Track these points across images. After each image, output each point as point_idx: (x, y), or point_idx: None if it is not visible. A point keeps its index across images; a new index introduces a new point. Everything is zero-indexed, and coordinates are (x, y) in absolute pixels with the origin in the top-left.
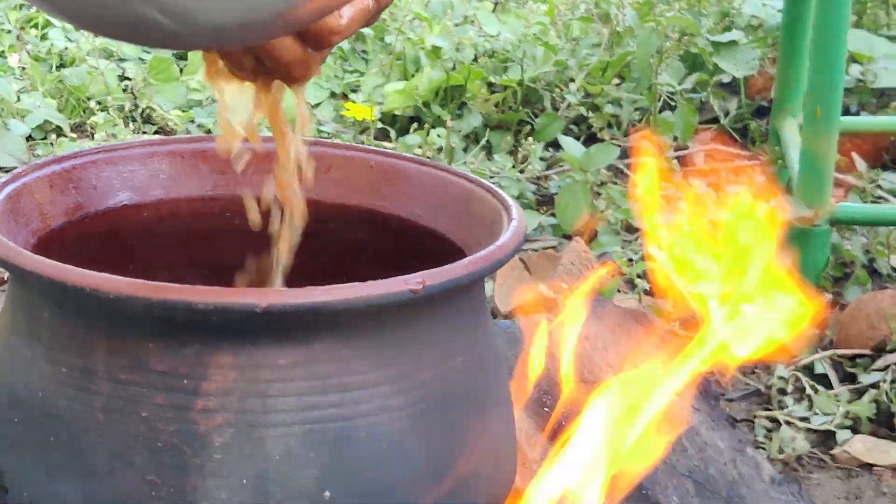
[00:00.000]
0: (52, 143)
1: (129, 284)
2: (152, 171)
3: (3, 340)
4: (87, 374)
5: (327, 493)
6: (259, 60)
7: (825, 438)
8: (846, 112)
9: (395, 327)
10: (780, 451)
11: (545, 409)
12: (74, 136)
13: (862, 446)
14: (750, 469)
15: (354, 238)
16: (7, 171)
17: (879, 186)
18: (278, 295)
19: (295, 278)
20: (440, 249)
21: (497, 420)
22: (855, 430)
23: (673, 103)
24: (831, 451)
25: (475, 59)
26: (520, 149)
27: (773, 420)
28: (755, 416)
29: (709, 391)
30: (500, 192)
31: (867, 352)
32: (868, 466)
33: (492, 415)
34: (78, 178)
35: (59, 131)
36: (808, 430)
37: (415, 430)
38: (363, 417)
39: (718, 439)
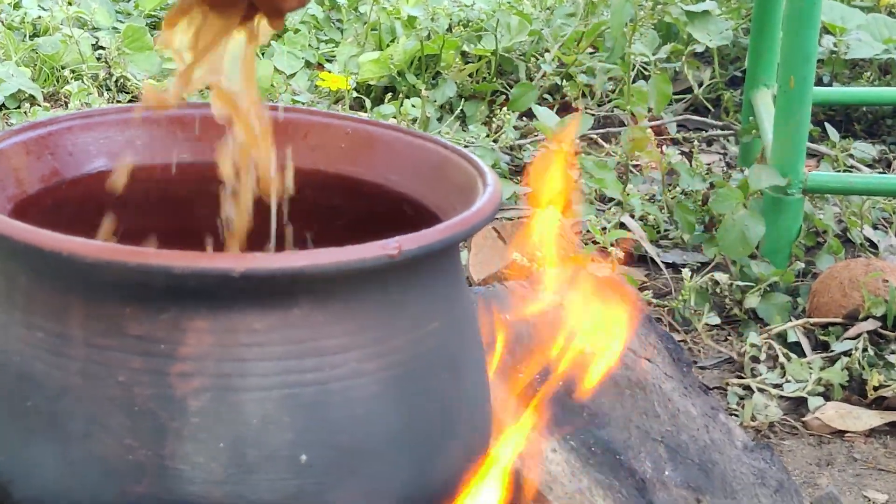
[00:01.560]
0: (25, 112)
1: (106, 249)
2: (128, 138)
3: None
4: (63, 338)
5: (304, 457)
6: None
7: (797, 405)
8: (819, 83)
9: (371, 292)
10: (753, 418)
11: (519, 374)
12: (48, 105)
13: (834, 413)
14: (722, 435)
15: (330, 204)
16: None
17: (851, 156)
18: (255, 259)
19: (271, 243)
20: (416, 216)
21: (472, 385)
22: (827, 397)
23: (647, 73)
24: (803, 419)
25: (450, 29)
26: (494, 118)
27: (746, 388)
28: (728, 384)
29: (681, 358)
30: (476, 158)
31: (839, 320)
32: (840, 433)
33: (467, 380)
34: (54, 144)
35: (32, 100)
36: (781, 397)
37: (390, 395)
38: (339, 381)
39: (691, 405)
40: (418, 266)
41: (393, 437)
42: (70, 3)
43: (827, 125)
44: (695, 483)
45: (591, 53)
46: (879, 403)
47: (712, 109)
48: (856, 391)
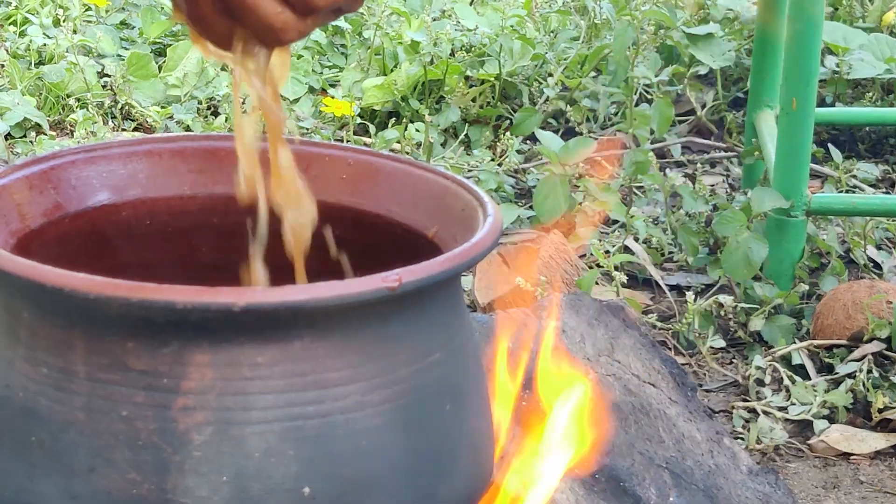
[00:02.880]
0: (31, 141)
1: (108, 284)
2: (131, 171)
3: None
4: (66, 373)
5: (307, 490)
6: (232, 21)
7: (802, 428)
8: (822, 103)
9: (372, 324)
10: (758, 441)
11: (522, 402)
12: (54, 133)
13: (839, 435)
14: (727, 460)
15: (332, 235)
16: None
17: (854, 176)
18: (256, 294)
19: (272, 275)
20: (417, 246)
21: (474, 415)
22: (832, 419)
23: (650, 96)
24: (808, 441)
25: (452, 54)
26: (498, 143)
27: (751, 410)
28: (733, 407)
29: (685, 383)
30: (476, 188)
31: (844, 342)
32: (845, 455)
33: (469, 410)
34: (57, 178)
35: (38, 129)
36: (786, 420)
37: (393, 426)
38: (341, 414)
39: (695, 430)
40: (419, 298)
41: (396, 469)
42: (75, 31)
43: (830, 146)
44: None
45: (594, 77)
46: (885, 426)
47: (715, 131)
48: (860, 413)
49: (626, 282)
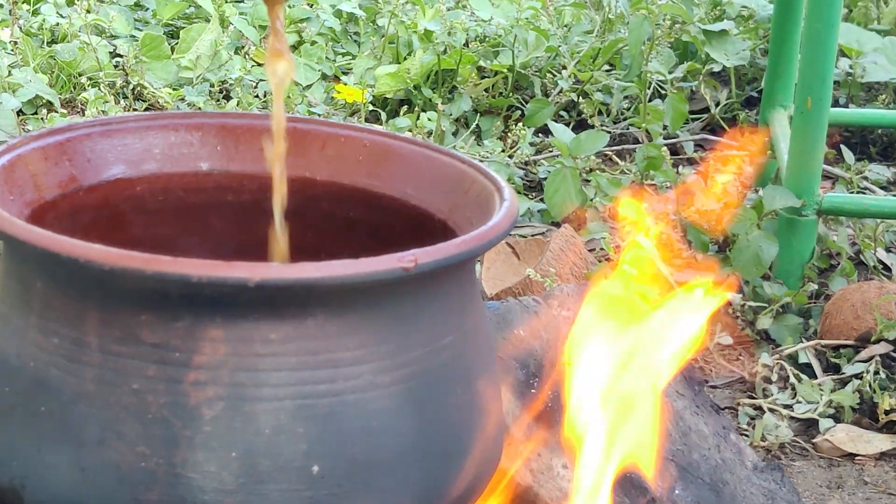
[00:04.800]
0: (42, 118)
1: (123, 256)
2: (147, 146)
3: None
4: (78, 344)
5: (315, 468)
6: None
7: (808, 427)
8: (834, 104)
9: (386, 305)
10: (763, 438)
11: (532, 390)
12: (65, 111)
13: (844, 435)
14: (733, 455)
15: (346, 216)
16: None
17: (866, 178)
18: (271, 270)
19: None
20: (432, 229)
21: (485, 399)
22: (837, 419)
23: (663, 91)
24: (814, 440)
25: (466, 44)
26: (509, 134)
27: (757, 408)
28: (739, 404)
29: (693, 377)
30: (493, 173)
31: (851, 342)
32: (850, 456)
33: (480, 393)
34: (73, 150)
35: (49, 106)
36: (792, 418)
37: (403, 407)
38: (352, 393)
39: (703, 424)
40: (434, 279)
41: (406, 450)
42: (88, 11)
43: (842, 147)
44: (705, 503)
45: (607, 71)
46: (890, 427)
47: (728, 129)
48: (867, 414)
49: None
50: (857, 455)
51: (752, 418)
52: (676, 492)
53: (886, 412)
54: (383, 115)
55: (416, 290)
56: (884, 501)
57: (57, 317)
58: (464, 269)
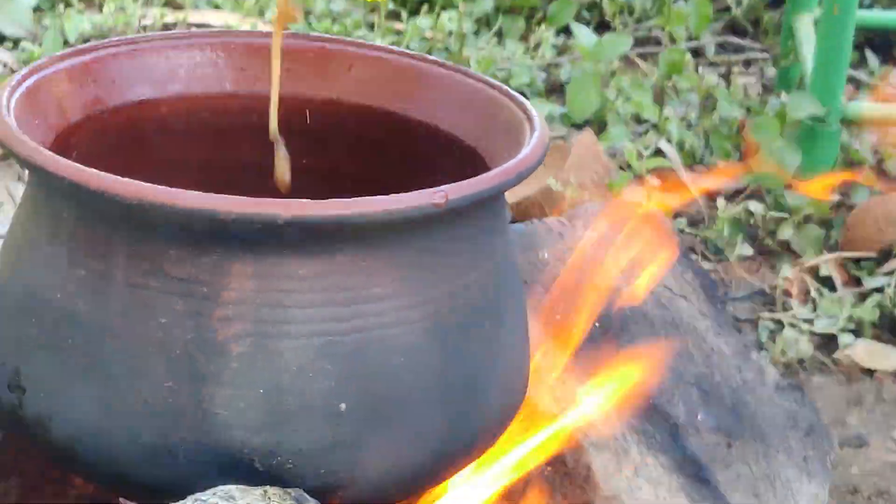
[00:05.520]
0: (59, 15)
1: (150, 190)
2: (172, 66)
3: (21, 237)
4: (105, 278)
5: (342, 405)
6: None
7: (828, 342)
8: (859, 6)
9: (415, 241)
10: (783, 353)
11: (557, 316)
12: (82, 6)
13: (864, 351)
14: (754, 375)
15: (373, 139)
16: (14, 42)
17: (891, 84)
18: (301, 207)
19: (310, 177)
20: (460, 155)
21: (513, 334)
22: (858, 333)
23: None
24: (833, 356)
25: None
26: (531, 35)
27: (777, 321)
28: (759, 318)
29: (716, 295)
30: (522, 100)
31: (873, 255)
32: (869, 372)
33: (508, 329)
34: (97, 70)
35: (66, 2)
36: (812, 332)
37: (431, 344)
38: (379, 329)
39: (724, 344)
40: (465, 214)
41: (432, 387)
42: None
43: (867, 51)
44: (726, 427)
45: None
46: None
47: (751, 30)
48: (887, 329)
49: (657, 185)
50: (876, 371)
51: (773, 332)
52: (699, 416)
53: None
54: (404, 14)
55: (447, 225)
56: None
57: (83, 249)
58: (494, 203)
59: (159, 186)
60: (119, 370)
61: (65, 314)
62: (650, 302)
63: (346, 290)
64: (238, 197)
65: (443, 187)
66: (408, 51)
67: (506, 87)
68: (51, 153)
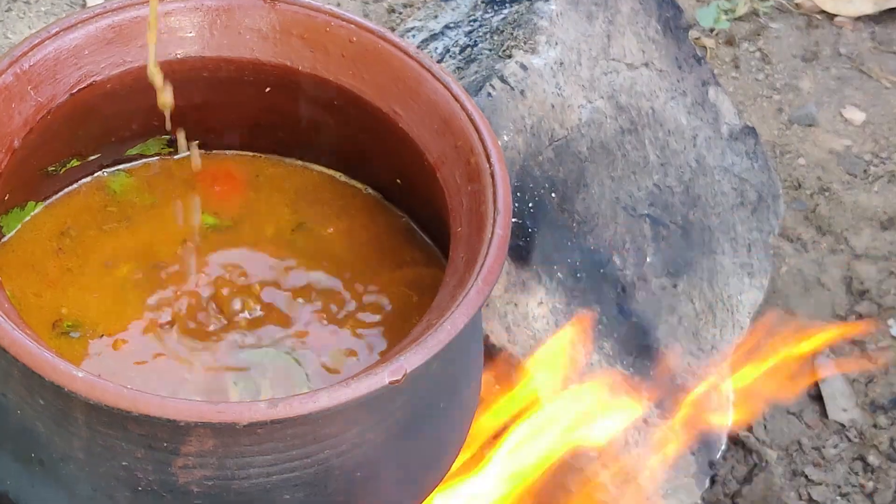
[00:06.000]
0: None
1: (107, 392)
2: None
3: None
4: (65, 415)
5: None
6: None
7: None
8: None
9: (373, 402)
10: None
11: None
12: None
13: None
14: (709, 127)
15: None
16: None
17: None
18: (260, 411)
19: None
20: (419, 169)
21: (467, 400)
22: None
23: None
24: (796, 1)
25: None
26: None
27: None
28: None
29: (678, 25)
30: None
31: None
32: (830, 17)
33: (462, 397)
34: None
35: None
36: None
37: (387, 445)
38: (339, 457)
39: (681, 111)
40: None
41: (388, 474)
42: None
43: None
44: (673, 265)
45: None
46: None
47: None
48: None
49: None
50: (837, 16)
51: None
52: (648, 260)
53: None
54: None
55: (403, 386)
56: (855, 85)
57: (41, 385)
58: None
59: (118, 387)
60: (83, 491)
61: (27, 430)
62: (609, 110)
63: (306, 438)
64: (196, 403)
65: (400, 360)
66: (373, 27)
67: (471, 105)
68: (10, 328)
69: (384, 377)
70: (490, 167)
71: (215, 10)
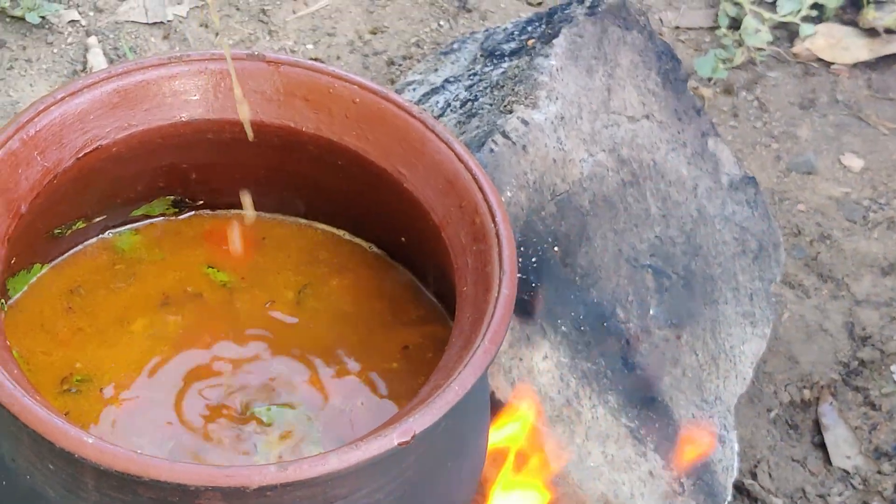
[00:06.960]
0: None
1: (118, 458)
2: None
3: None
4: (75, 479)
5: None
6: None
7: (789, 35)
8: None
9: (384, 463)
10: (741, 43)
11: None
12: None
13: (823, 42)
14: (709, 177)
15: (334, 181)
16: None
17: None
18: (269, 474)
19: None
20: (424, 228)
21: (474, 454)
22: (820, 20)
23: None
24: (793, 49)
25: None
26: None
27: (736, 3)
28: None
29: (678, 77)
30: (494, 201)
31: None
32: (826, 64)
33: (470, 451)
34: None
35: None
36: (773, 22)
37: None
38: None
39: (681, 161)
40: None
41: None
42: None
43: None
44: (676, 316)
45: None
46: (872, 34)
47: None
48: (849, 22)
49: None
50: (834, 64)
51: (734, 19)
52: (651, 312)
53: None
54: None
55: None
56: (853, 132)
57: (51, 450)
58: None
59: (129, 453)
60: None
61: (35, 493)
62: (610, 165)
63: (315, 498)
64: (206, 467)
65: (409, 422)
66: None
67: (475, 164)
68: (25, 399)
69: (393, 439)
70: (495, 227)
71: (219, 74)
